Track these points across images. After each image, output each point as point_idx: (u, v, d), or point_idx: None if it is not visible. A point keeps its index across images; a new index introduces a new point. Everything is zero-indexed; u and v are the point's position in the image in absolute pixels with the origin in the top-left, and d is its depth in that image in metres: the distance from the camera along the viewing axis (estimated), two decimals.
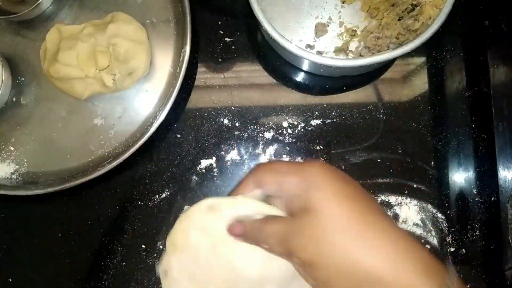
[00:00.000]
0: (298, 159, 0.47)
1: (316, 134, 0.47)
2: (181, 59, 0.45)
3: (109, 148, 0.46)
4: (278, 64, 0.49)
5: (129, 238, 0.46)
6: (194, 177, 0.47)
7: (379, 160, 0.47)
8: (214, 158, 0.47)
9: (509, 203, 0.44)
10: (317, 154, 0.47)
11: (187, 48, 0.45)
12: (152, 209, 0.46)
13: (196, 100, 0.49)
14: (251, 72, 0.49)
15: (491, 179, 0.44)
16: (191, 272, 0.35)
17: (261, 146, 0.47)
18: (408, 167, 0.47)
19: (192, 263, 0.34)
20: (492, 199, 0.45)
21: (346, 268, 0.25)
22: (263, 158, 0.47)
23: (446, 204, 0.46)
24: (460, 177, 0.47)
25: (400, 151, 0.47)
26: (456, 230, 0.46)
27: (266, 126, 0.48)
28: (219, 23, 0.49)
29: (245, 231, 0.30)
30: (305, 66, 0.46)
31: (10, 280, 0.46)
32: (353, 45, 0.44)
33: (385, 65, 0.48)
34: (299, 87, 0.49)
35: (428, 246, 0.45)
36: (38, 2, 0.46)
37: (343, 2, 0.45)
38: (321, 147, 0.47)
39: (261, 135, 0.47)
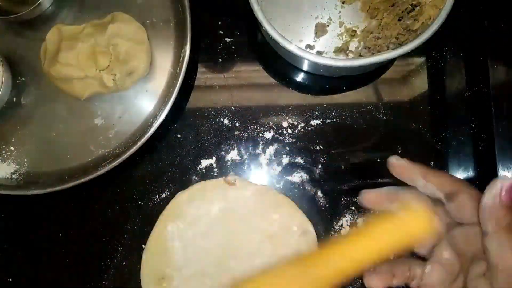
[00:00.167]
0: (298, 159, 0.47)
1: (316, 134, 0.47)
2: (181, 59, 0.45)
3: (109, 148, 0.46)
4: (278, 64, 0.49)
5: (129, 238, 0.46)
6: (194, 177, 0.47)
7: (379, 160, 0.47)
8: (214, 158, 0.47)
9: None
10: (317, 154, 0.47)
11: (187, 48, 0.45)
12: (152, 209, 0.46)
13: (196, 100, 0.49)
14: (251, 72, 0.49)
15: (491, 179, 0.44)
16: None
17: (261, 146, 0.47)
18: None
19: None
20: None
21: None
22: (263, 158, 0.47)
23: None
24: (460, 177, 0.47)
25: (400, 151, 0.47)
26: None
27: (266, 126, 0.48)
28: (219, 23, 0.49)
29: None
30: (305, 66, 0.46)
31: (10, 280, 0.46)
32: (353, 45, 0.44)
33: (385, 65, 0.48)
34: (299, 87, 0.49)
35: None
36: (38, 2, 0.46)
37: (343, 2, 0.45)
38: (321, 147, 0.47)
39: (261, 135, 0.47)
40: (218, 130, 0.48)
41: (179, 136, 0.48)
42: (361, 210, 0.46)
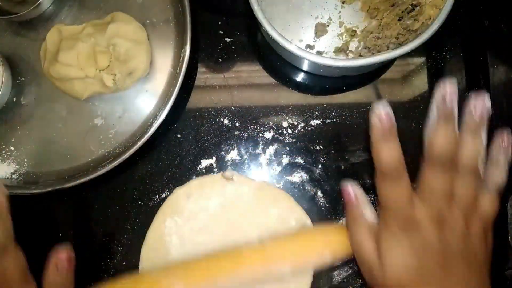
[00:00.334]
0: (298, 159, 0.47)
1: (316, 134, 0.47)
2: (181, 59, 0.45)
3: (109, 148, 0.46)
4: (278, 64, 0.49)
5: (129, 238, 0.46)
6: (194, 177, 0.47)
7: None
8: (214, 158, 0.47)
9: (509, 203, 0.44)
10: (317, 154, 0.47)
11: (187, 48, 0.45)
12: (152, 209, 0.46)
13: (196, 100, 0.49)
14: (251, 72, 0.49)
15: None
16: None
17: (261, 146, 0.47)
18: (408, 167, 0.46)
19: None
20: None
21: None
22: (263, 158, 0.47)
23: None
24: None
25: None
26: None
27: (266, 126, 0.48)
28: (219, 23, 0.49)
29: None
30: (305, 66, 0.46)
31: None
32: (353, 45, 0.44)
33: (385, 65, 0.48)
34: (299, 87, 0.49)
35: None
36: (38, 2, 0.46)
37: (343, 2, 0.45)
38: (321, 147, 0.47)
39: (261, 135, 0.47)
40: (218, 130, 0.48)
41: (179, 136, 0.48)
42: None
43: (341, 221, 0.46)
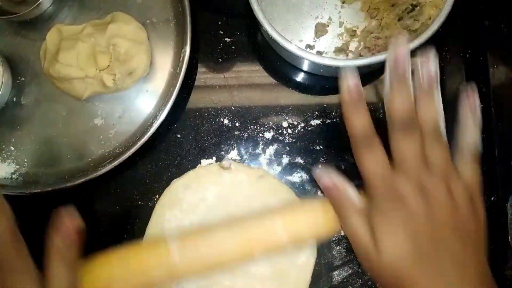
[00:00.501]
0: (298, 159, 0.47)
1: (316, 134, 0.47)
2: (181, 59, 0.45)
3: (109, 148, 0.46)
4: (278, 64, 0.49)
5: (129, 238, 0.46)
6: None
7: None
8: (214, 158, 0.47)
9: (509, 203, 0.44)
10: (317, 154, 0.47)
11: (187, 48, 0.45)
12: (152, 209, 0.46)
13: (196, 100, 0.49)
14: (251, 72, 0.49)
15: (491, 179, 0.44)
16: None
17: (261, 146, 0.47)
18: None
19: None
20: (492, 199, 0.45)
21: None
22: (263, 158, 0.47)
23: None
24: None
25: None
26: None
27: (266, 126, 0.48)
28: (219, 23, 0.49)
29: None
30: (305, 66, 0.46)
31: None
32: (353, 45, 0.44)
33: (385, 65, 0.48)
34: (299, 87, 0.49)
35: None
36: (38, 2, 0.46)
37: (343, 2, 0.45)
38: (321, 147, 0.47)
39: (261, 135, 0.47)
40: (218, 130, 0.48)
41: (179, 136, 0.48)
42: None
43: None
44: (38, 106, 0.47)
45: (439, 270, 0.31)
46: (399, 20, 0.42)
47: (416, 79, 0.34)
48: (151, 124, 0.44)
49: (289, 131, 0.47)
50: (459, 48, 0.49)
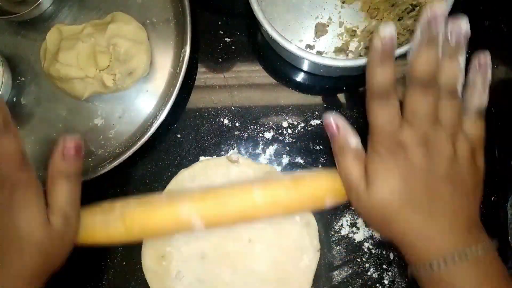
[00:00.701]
0: (298, 159, 0.47)
1: (316, 134, 0.47)
2: (181, 59, 0.45)
3: (109, 148, 0.46)
4: (278, 64, 0.49)
5: None
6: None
7: None
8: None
9: (509, 203, 0.44)
10: (317, 154, 0.47)
11: (187, 48, 0.45)
12: None
13: (196, 100, 0.49)
14: (251, 72, 0.49)
15: (491, 179, 0.44)
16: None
17: (261, 146, 0.47)
18: None
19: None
20: (492, 199, 0.45)
21: None
22: (263, 158, 0.47)
23: None
24: None
25: None
26: None
27: (266, 126, 0.48)
28: (219, 23, 0.50)
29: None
30: (305, 66, 0.46)
31: None
32: (353, 45, 0.44)
33: None
34: (299, 87, 0.49)
35: None
36: (38, 2, 0.46)
37: (343, 2, 0.45)
38: (321, 147, 0.47)
39: (261, 135, 0.48)
40: (218, 130, 0.48)
41: (179, 136, 0.48)
42: None
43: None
44: (38, 106, 0.47)
45: (429, 214, 0.32)
46: (399, 20, 0.42)
47: (442, 43, 0.34)
48: (151, 124, 0.45)
49: (289, 131, 0.47)
50: None
